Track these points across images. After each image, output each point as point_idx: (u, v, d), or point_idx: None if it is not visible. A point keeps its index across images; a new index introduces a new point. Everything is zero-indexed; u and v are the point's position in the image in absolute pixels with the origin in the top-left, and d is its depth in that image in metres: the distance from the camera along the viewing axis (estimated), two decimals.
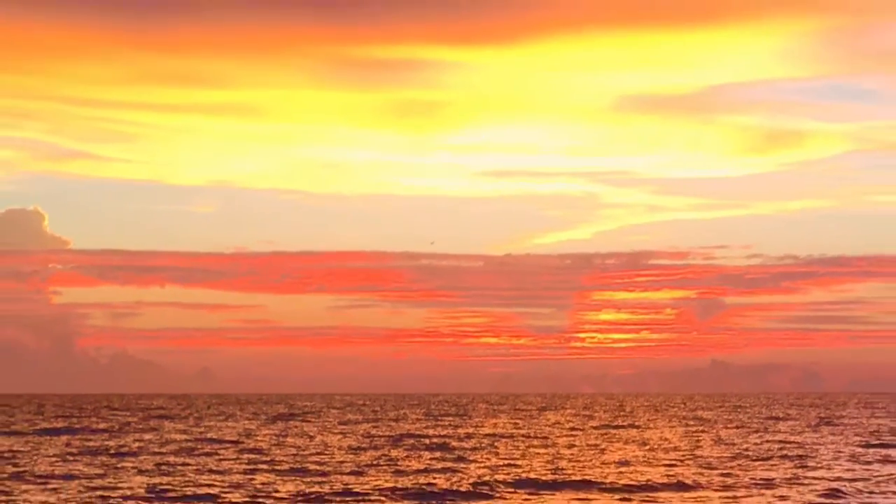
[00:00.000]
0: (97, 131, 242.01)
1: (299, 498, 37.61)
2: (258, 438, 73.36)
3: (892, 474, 48.91)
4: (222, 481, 43.56)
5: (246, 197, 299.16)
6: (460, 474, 47.20)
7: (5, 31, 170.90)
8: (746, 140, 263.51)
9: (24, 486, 40.80)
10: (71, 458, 54.94)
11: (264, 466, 50.79)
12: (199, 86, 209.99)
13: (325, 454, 59.21)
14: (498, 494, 39.41)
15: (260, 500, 37.29)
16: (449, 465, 52.58)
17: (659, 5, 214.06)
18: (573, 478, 45.92)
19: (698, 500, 38.35)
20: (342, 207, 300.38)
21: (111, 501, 36.60)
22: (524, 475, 46.76)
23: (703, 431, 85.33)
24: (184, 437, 74.79)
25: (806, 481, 45.27)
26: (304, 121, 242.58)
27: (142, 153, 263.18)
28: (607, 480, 44.73)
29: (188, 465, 51.57)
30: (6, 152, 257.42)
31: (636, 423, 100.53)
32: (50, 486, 40.96)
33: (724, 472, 49.36)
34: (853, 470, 51.37)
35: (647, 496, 39.11)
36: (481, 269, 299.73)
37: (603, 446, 67.40)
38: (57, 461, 53.19)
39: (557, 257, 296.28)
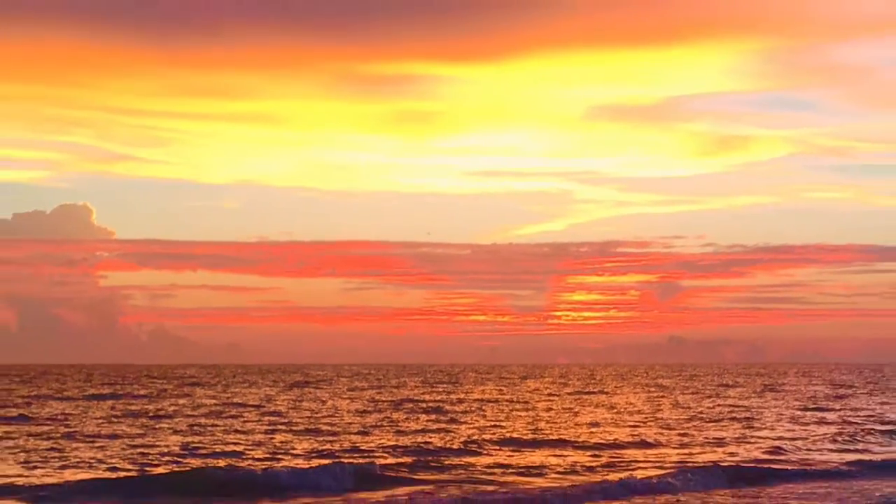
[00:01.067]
0: (138, 137, 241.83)
1: (313, 454, 37.24)
2: (277, 403, 72.99)
3: (826, 434, 48.66)
4: (246, 440, 43.22)
5: (267, 193, 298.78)
6: (452, 434, 46.87)
7: (59, 52, 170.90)
8: (699, 144, 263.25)
9: (74, 444, 40.42)
10: (115, 420, 54.55)
11: (283, 427, 50.42)
12: (225, 98, 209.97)
13: (336, 416, 58.87)
14: (485, 451, 39.04)
15: (279, 456, 36.91)
16: (443, 426, 52.25)
17: (624, 29, 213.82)
18: (550, 437, 45.60)
19: (659, 455, 38.00)
20: (350, 203, 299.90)
21: (150, 457, 36.22)
22: (508, 435, 46.44)
23: (662, 397, 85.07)
24: (213, 401, 74.40)
25: (752, 440, 44.99)
26: (317, 127, 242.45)
27: (176, 156, 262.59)
28: (580, 439, 44.42)
29: (217, 426, 51.20)
30: (59, 155, 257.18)
31: (605, 390, 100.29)
32: (97, 445, 40.57)
33: (681, 432, 49.07)
34: (793, 430, 51.13)
35: (615, 453, 38.76)
36: (470, 257, 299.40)
37: (576, 410, 67.08)
38: (103, 423, 52.80)
39: (536, 246, 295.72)
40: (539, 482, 30.39)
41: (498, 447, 40.79)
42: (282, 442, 42.43)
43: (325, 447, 40.02)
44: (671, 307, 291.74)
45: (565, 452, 39.04)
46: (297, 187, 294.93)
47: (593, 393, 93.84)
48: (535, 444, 42.57)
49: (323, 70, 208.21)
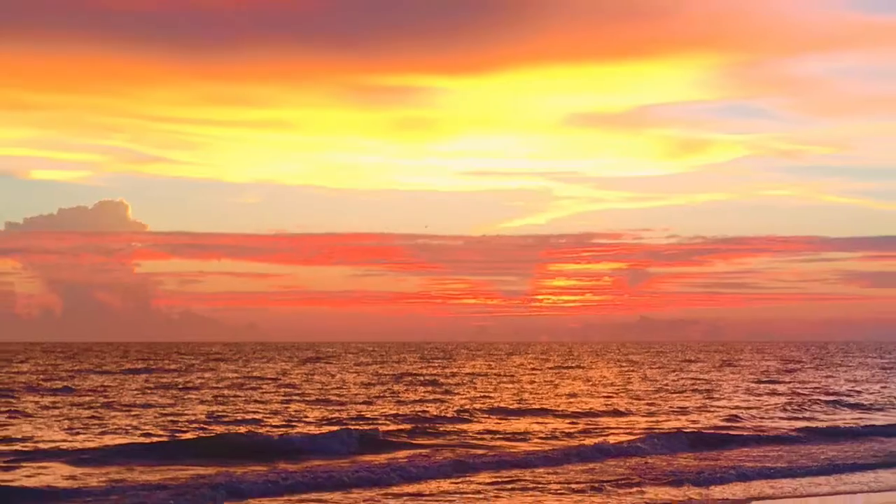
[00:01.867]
0: (168, 141, 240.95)
1: (323, 422, 37.19)
2: (292, 376, 72.93)
3: (777, 403, 48.67)
4: (264, 409, 43.15)
5: (283, 191, 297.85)
6: (447, 404, 46.82)
7: (100, 66, 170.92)
8: (665, 148, 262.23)
9: (112, 413, 40.36)
10: (148, 391, 54.50)
11: (297, 398, 50.37)
12: (246, 106, 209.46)
13: (343, 388, 58.83)
14: (475, 419, 39.01)
15: (293, 423, 36.86)
16: (438, 396, 52.22)
17: (597, 45, 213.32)
18: (533, 406, 45.56)
19: (629, 423, 37.99)
20: (356, 199, 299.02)
21: (179, 424, 36.16)
22: (496, 404, 46.40)
23: (632, 371, 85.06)
24: (235, 375, 74.36)
25: (712, 409, 44.99)
26: (327, 133, 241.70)
27: (203, 157, 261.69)
28: (559, 408, 44.39)
29: (238, 396, 51.16)
30: (98, 157, 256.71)
31: (581, 365, 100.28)
32: (132, 413, 40.52)
33: (649, 402, 49.05)
34: (748, 400, 51.15)
35: (590, 420, 38.76)
36: (462, 247, 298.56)
37: (556, 382, 67.06)
38: (138, 393, 52.75)
39: (521, 238, 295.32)
40: (523, 446, 30.37)
41: (487, 415, 40.75)
42: (296, 411, 42.36)
43: (333, 415, 39.97)
44: (640, 291, 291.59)
45: (546, 420, 39.02)
46: (309, 185, 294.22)
47: (571, 367, 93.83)
48: (520, 412, 42.53)
49: (332, 82, 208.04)
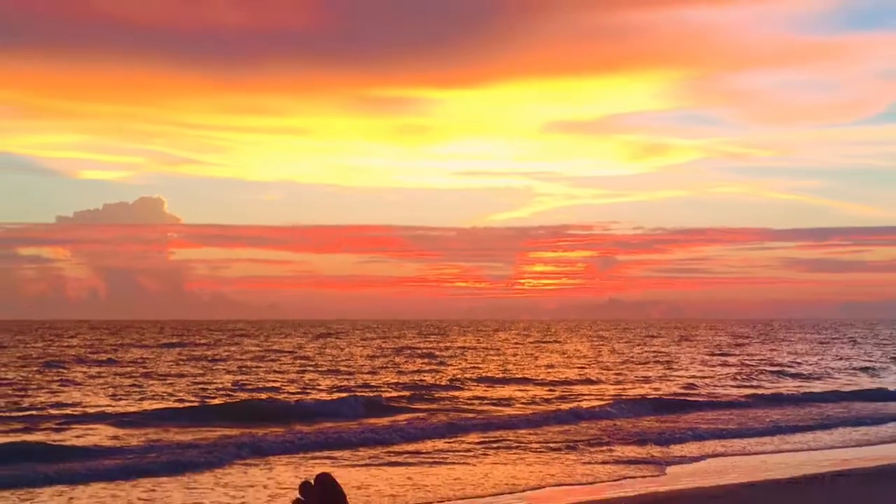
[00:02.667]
0: (199, 145, 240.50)
1: (334, 389, 37.20)
2: (306, 350, 72.93)
3: (728, 373, 48.75)
4: (282, 378, 43.15)
5: (299, 189, 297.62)
6: (441, 374, 46.84)
7: (141, 80, 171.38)
8: (631, 151, 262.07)
9: (150, 382, 40.33)
10: (181, 363, 54.49)
11: (310, 368, 50.38)
12: (267, 115, 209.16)
13: (351, 360, 58.84)
14: (466, 387, 39.02)
15: (308, 390, 36.87)
16: (433, 367, 52.23)
17: (573, 62, 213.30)
18: (516, 376, 45.59)
19: (599, 390, 38.01)
20: (361, 196, 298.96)
21: (208, 391, 36.15)
22: (483, 374, 46.43)
23: (602, 345, 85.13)
24: (257, 348, 74.34)
25: (672, 378, 45.04)
26: (336, 138, 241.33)
27: (229, 160, 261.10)
28: (539, 378, 44.42)
29: (259, 367, 51.17)
30: (138, 159, 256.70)
31: (558, 340, 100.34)
32: (167, 382, 40.49)
33: (617, 372, 49.10)
34: (703, 370, 51.21)
35: (566, 388, 38.77)
36: (455, 237, 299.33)
37: (536, 355, 67.10)
38: (172, 365, 52.74)
39: (505, 229, 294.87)
40: (508, 411, 30.37)
41: (476, 384, 40.77)
42: (310, 380, 42.37)
43: (342, 384, 39.99)
44: (609, 276, 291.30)
45: (527, 388, 39.04)
46: (321, 184, 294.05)
47: (549, 342, 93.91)
48: (505, 381, 42.56)
49: (341, 94, 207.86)
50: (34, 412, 28.43)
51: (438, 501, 15.37)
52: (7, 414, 27.88)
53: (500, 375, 45.66)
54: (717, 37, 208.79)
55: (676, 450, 21.96)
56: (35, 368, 48.78)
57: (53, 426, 25.26)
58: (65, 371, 46.95)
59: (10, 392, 34.93)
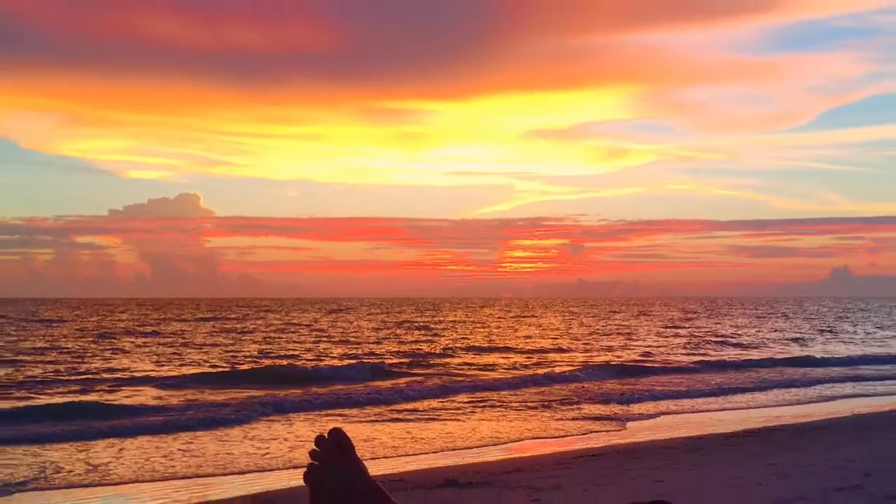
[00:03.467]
0: (230, 149, 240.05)
1: (344, 357, 37.26)
2: (321, 323, 72.98)
3: (679, 343, 48.87)
4: (301, 347, 43.21)
5: (315, 186, 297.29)
6: (435, 343, 46.93)
7: (180, 94, 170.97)
8: (597, 154, 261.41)
9: (188, 350, 40.37)
10: (215, 334, 54.53)
11: (325, 339, 50.45)
12: (287, 124, 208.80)
13: (359, 332, 58.91)
14: (456, 355, 39.10)
15: (322, 358, 36.92)
16: (429, 338, 52.33)
17: (547, 78, 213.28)
18: (499, 345, 45.67)
19: (570, 357, 38.09)
20: (368, 192, 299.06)
21: (238, 358, 36.18)
22: (472, 344, 46.52)
23: (572, 319, 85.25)
24: (279, 322, 74.37)
25: (631, 347, 45.14)
26: (347, 143, 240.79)
27: (255, 161, 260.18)
28: (518, 347, 44.50)
29: (281, 338, 51.22)
30: (178, 161, 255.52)
31: (535, 315, 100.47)
32: (203, 350, 40.52)
33: (585, 342, 49.21)
34: (658, 341, 51.34)
35: (541, 356, 38.85)
36: (447, 228, 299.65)
37: (516, 328, 67.19)
38: (207, 336, 52.79)
39: (491, 221, 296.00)
40: (492, 375, 30.43)
41: (465, 352, 40.85)
42: (324, 349, 42.44)
43: (352, 352, 40.07)
44: (578, 261, 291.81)
45: (509, 356, 39.13)
46: (334, 182, 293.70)
47: (527, 317, 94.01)
48: (489, 350, 42.64)
49: (351, 106, 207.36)
50: (89, 376, 28.45)
51: (433, 451, 15.43)
52: (67, 377, 27.91)
53: (486, 345, 45.74)
54: (670, 57, 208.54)
55: (635, 408, 22.03)
56: (90, 339, 48.80)
57: (106, 388, 25.28)
58: (115, 341, 46.94)
59: (69, 359, 34.95)
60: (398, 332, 59.71)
